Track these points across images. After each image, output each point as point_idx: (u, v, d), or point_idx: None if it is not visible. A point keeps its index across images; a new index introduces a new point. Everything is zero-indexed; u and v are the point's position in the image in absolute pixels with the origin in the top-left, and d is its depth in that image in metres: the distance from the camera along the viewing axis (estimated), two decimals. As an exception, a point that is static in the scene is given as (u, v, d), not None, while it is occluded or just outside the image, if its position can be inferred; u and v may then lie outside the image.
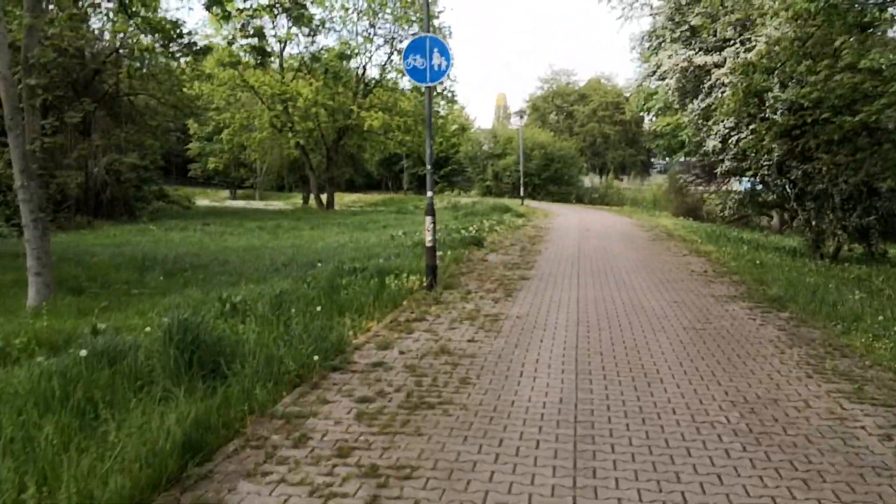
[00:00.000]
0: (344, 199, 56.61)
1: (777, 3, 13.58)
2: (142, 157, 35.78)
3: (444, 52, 10.27)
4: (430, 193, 10.60)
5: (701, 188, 37.03)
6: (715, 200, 22.93)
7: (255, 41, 14.70)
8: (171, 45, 15.40)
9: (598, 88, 77.11)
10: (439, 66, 10.21)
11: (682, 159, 41.91)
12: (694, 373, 6.54)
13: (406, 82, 41.81)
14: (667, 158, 49.47)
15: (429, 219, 10.40)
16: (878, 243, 16.73)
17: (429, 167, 10.55)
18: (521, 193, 42.12)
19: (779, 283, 11.17)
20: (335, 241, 19.63)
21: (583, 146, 68.81)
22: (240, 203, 55.53)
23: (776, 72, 14.27)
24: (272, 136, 43.28)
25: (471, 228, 19.61)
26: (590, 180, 66.23)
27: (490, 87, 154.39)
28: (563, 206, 42.31)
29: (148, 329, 6.88)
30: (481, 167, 59.35)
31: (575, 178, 58.54)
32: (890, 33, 15.15)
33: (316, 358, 6.29)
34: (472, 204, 37.22)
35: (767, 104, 16.68)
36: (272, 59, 41.16)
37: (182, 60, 16.20)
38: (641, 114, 58.82)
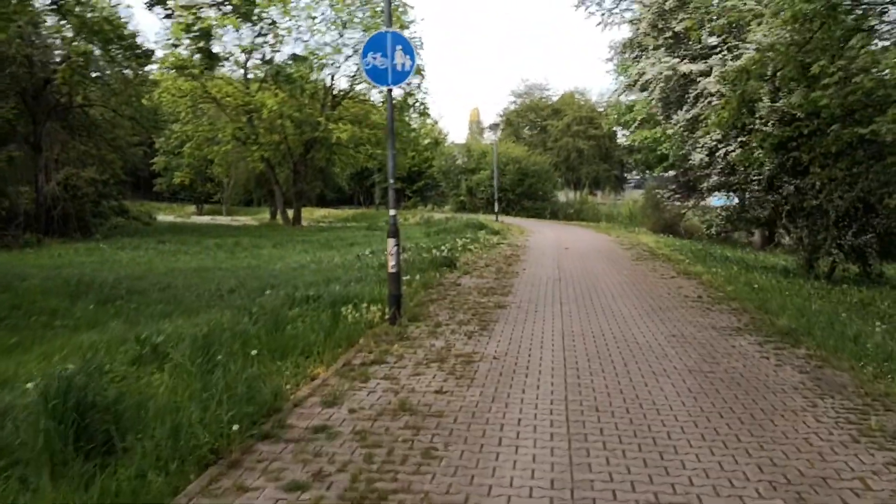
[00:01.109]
0: (314, 214, 55.15)
1: (773, 4, 12.48)
2: (101, 172, 34.17)
3: (409, 50, 8.97)
4: (392, 211, 9.20)
5: (678, 203, 36.21)
6: (701, 217, 21.79)
7: (202, 43, 13.26)
8: (110, 47, 13.97)
9: (572, 103, 76.24)
10: (402, 65, 8.90)
11: (659, 174, 41.09)
12: (713, 437, 5.25)
13: (377, 94, 40.48)
14: (644, 173, 48.61)
15: (392, 241, 9.04)
16: (875, 263, 15.70)
17: (391, 181, 9.18)
18: (496, 209, 40.87)
19: (786, 312, 9.95)
20: (295, 262, 18.20)
21: (557, 161, 67.77)
22: (205, 218, 53.88)
23: (771, 79, 13.18)
24: (237, 150, 41.72)
25: (443, 247, 18.28)
26: (564, 195, 65.20)
27: (463, 102, 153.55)
28: (538, 223, 41.14)
29: (30, 385, 5.45)
30: (455, 182, 58.08)
31: (550, 194, 57.38)
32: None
33: (235, 428, 4.89)
34: (445, 220, 36.00)
35: (758, 115, 15.63)
36: (236, 68, 39.77)
37: (131, 68, 14.78)
38: (615, 128, 58.19)
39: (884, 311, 11.23)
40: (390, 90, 9.19)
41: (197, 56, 14.53)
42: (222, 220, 51.62)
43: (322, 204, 68.31)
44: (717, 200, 31.53)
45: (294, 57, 26.16)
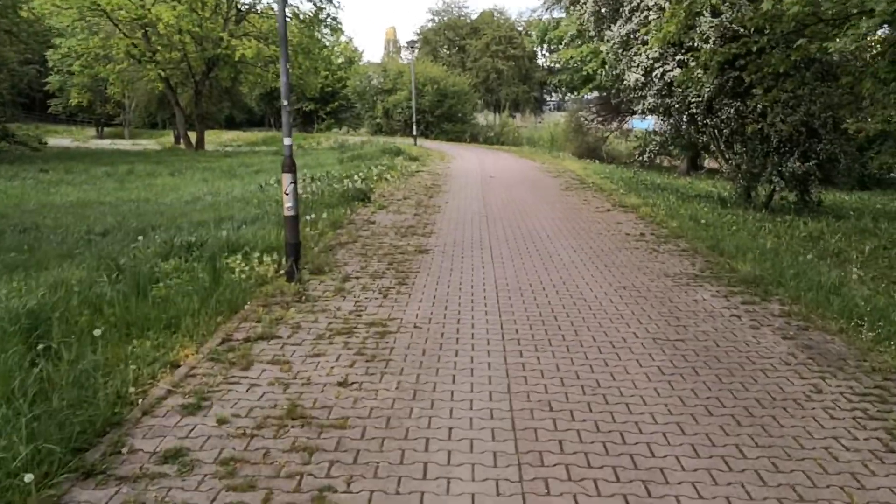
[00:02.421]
0: (221, 138, 52.21)
1: None
2: (-21, 92, 30.82)
3: (304, -63, 7.12)
4: (287, 140, 7.44)
5: (601, 127, 35.17)
6: (632, 142, 20.62)
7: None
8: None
9: (491, 22, 73.98)
10: (296, -45, 7.08)
11: (581, 96, 39.87)
12: (709, 450, 3.93)
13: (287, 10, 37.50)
14: (566, 95, 47.26)
15: (287, 177, 7.33)
16: (816, 191, 14.83)
17: (284, 102, 7.41)
18: (415, 132, 38.90)
19: (744, 254, 8.78)
20: (190, 194, 16.23)
21: (476, 82, 65.79)
22: (105, 142, 50.20)
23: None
24: (133, 68, 38.24)
25: (356, 177, 16.59)
26: (484, 118, 63.46)
27: (379, 19, 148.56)
28: (459, 147, 39.51)
29: None
30: (371, 103, 55.51)
31: (469, 116, 55.60)
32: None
33: (29, 478, 3.28)
34: (360, 144, 34.07)
35: (699, 28, 14.27)
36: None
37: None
38: (537, 48, 56.44)
39: (835, 245, 10.44)
40: (282, -11, 7.35)
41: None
42: (123, 144, 48.21)
43: (231, 126, 64.85)
44: (639, 123, 30.49)
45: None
